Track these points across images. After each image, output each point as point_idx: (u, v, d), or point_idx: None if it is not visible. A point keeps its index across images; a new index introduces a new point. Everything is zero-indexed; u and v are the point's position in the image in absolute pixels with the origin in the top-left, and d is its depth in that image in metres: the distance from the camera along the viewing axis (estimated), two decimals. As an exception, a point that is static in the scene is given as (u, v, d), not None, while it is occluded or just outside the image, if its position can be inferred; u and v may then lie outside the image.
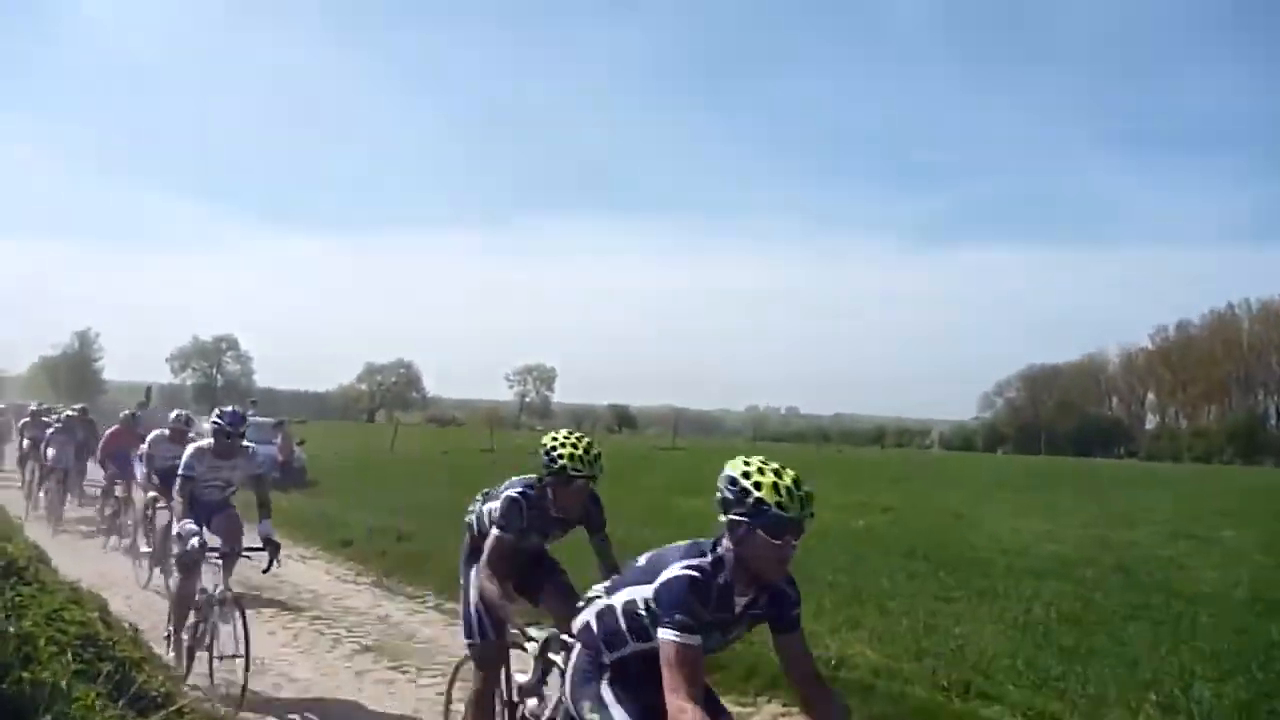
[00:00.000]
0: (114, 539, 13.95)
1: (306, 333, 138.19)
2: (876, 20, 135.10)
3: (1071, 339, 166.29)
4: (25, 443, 19.24)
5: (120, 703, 3.30)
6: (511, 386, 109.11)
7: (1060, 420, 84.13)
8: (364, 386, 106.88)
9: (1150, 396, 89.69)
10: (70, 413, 18.62)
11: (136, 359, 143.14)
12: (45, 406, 22.42)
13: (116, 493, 14.17)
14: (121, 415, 15.23)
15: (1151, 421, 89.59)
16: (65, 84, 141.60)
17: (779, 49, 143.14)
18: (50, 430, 17.08)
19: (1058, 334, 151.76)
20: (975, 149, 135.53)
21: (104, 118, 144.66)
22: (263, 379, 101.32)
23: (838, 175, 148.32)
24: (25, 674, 2.85)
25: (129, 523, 13.48)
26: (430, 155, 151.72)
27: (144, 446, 11.78)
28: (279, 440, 24.42)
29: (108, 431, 14.98)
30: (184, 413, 12.12)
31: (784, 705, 7.18)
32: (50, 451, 16.29)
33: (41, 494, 16.84)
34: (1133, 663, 7.73)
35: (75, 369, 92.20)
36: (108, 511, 14.55)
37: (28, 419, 20.02)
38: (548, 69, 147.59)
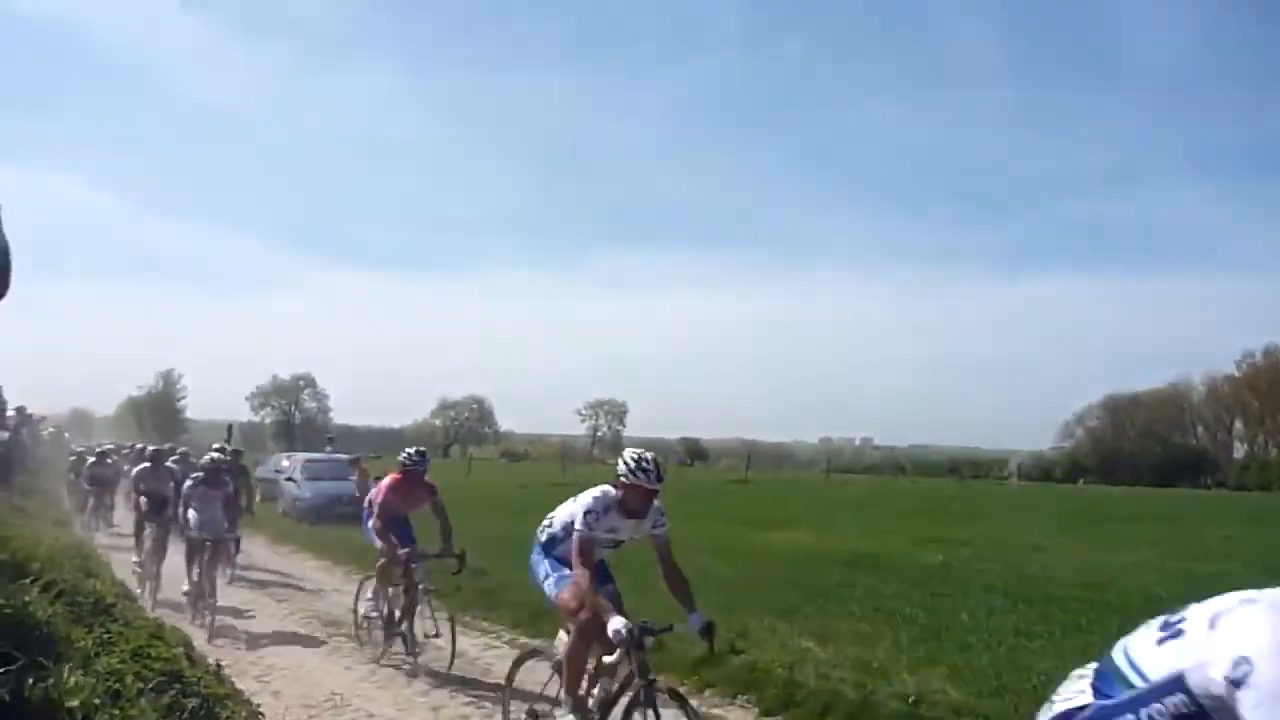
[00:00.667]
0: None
1: (382, 370, 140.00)
2: (942, 46, 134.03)
3: (1154, 366, 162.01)
4: (141, 498, 13.55)
5: (204, 738, 3.37)
6: (583, 421, 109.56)
7: (1143, 450, 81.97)
8: (438, 422, 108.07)
9: (1237, 424, 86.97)
10: (215, 454, 13.32)
11: (217, 398, 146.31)
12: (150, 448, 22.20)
13: None
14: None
15: (1239, 450, 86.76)
16: (146, 130, 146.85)
17: (845, 79, 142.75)
18: (188, 483, 12.35)
19: (1140, 361, 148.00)
20: (1053, 174, 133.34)
21: (184, 163, 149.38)
22: (339, 416, 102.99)
23: (907, 204, 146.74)
24: (115, 711, 2.93)
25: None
26: (503, 194, 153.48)
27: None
28: (355, 476, 24.81)
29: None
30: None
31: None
32: (192, 514, 11.90)
33: (188, 579, 12.00)
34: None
35: (160, 409, 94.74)
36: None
37: (145, 465, 14.34)
38: (616, 107, 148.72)
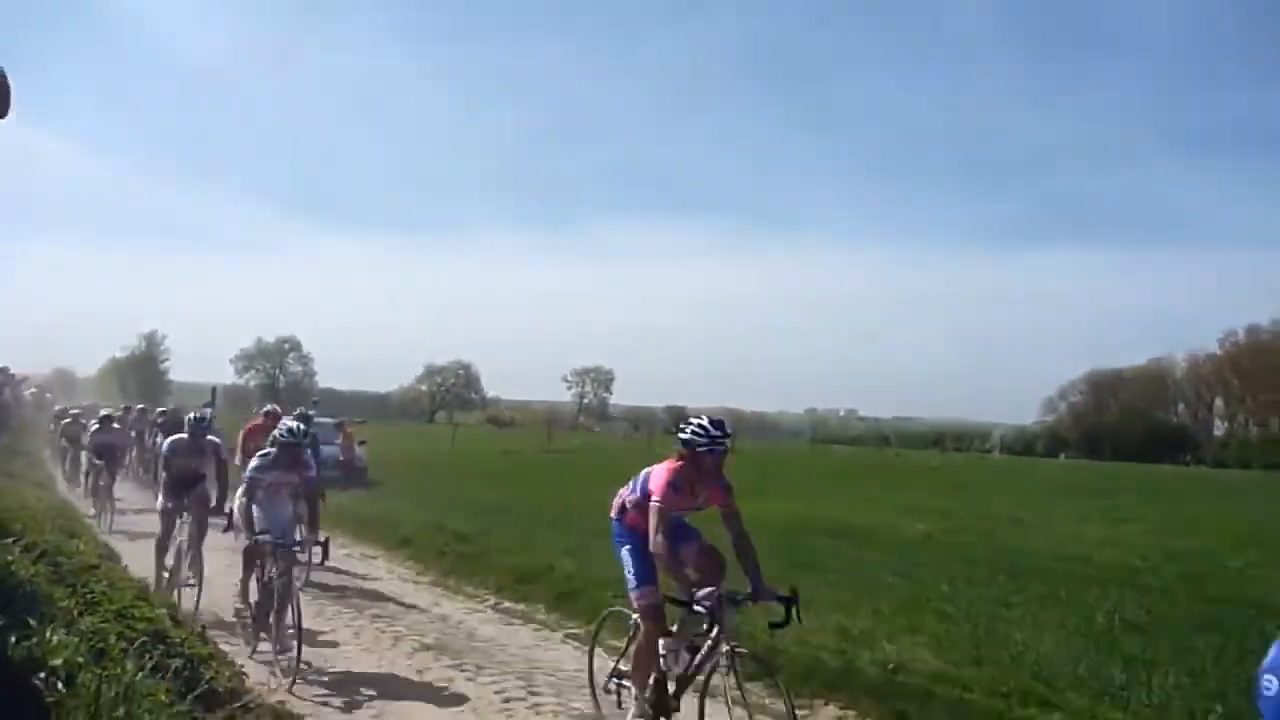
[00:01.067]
0: None
1: (367, 334, 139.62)
2: (938, 18, 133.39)
3: (1137, 343, 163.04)
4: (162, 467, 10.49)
5: (188, 699, 3.38)
6: (569, 388, 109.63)
7: (1125, 426, 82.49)
8: (424, 387, 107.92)
9: (1218, 403, 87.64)
10: (294, 423, 8.98)
11: (201, 360, 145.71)
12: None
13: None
14: (266, 409, 13.79)
15: (1219, 428, 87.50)
16: (130, 88, 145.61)
17: (840, 49, 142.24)
18: (254, 463, 8.63)
19: (1123, 337, 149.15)
20: (1043, 148, 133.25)
21: (168, 122, 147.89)
22: (324, 380, 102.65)
23: (899, 175, 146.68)
24: (98, 670, 2.94)
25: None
26: (490, 158, 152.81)
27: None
28: (340, 440, 24.79)
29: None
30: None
31: (841, 708, 7.15)
32: (255, 511, 8.33)
33: (241, 596, 9.19)
34: (1198, 673, 7.58)
35: (143, 370, 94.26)
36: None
37: (181, 437, 10.59)
38: (609, 73, 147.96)
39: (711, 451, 5.89)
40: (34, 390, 40.78)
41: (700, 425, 5.96)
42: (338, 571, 12.09)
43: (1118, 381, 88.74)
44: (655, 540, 5.83)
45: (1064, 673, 7.50)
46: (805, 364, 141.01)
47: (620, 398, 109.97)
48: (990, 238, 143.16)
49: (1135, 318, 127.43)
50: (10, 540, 4.63)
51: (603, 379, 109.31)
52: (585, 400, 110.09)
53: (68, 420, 22.82)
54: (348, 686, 7.60)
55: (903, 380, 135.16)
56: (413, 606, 10.82)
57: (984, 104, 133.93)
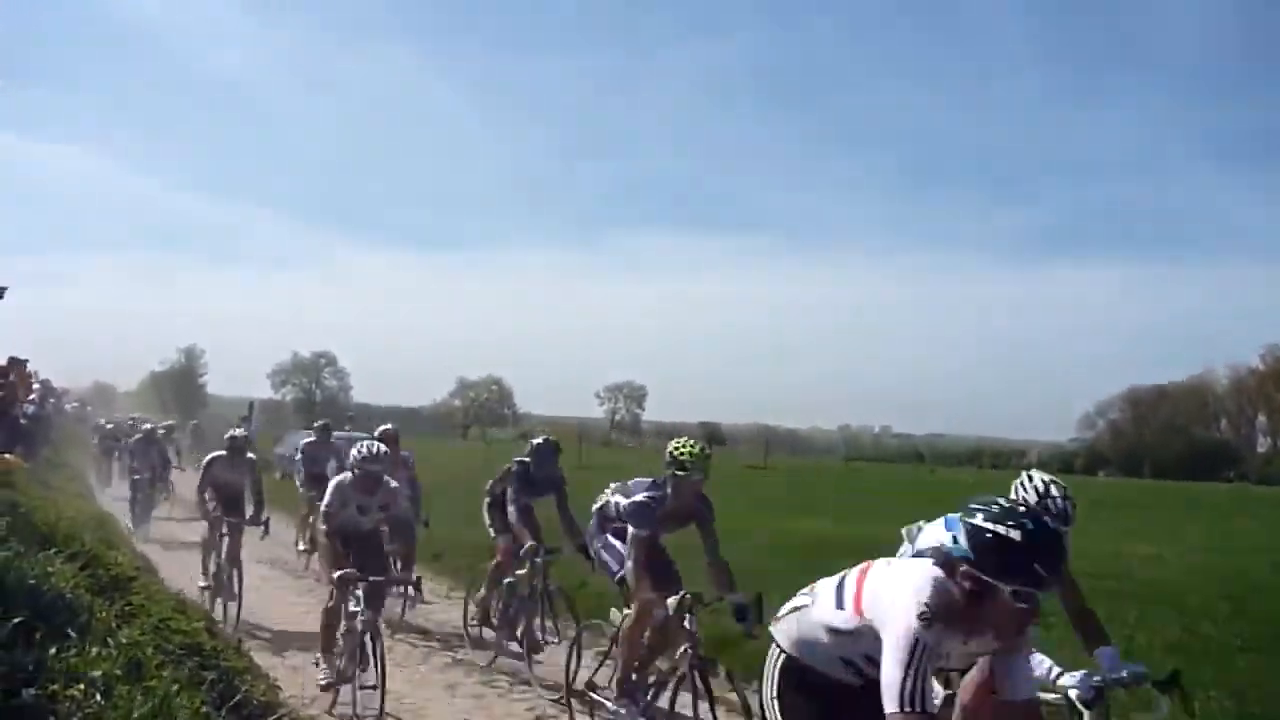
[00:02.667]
0: None
1: (401, 349, 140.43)
2: (965, 29, 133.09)
3: (1178, 358, 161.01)
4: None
5: (223, 711, 3.40)
6: (602, 404, 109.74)
7: (1166, 442, 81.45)
8: (457, 402, 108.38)
9: (1261, 418, 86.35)
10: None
11: (238, 374, 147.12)
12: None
13: None
14: (316, 425, 15.08)
15: (1263, 444, 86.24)
16: (167, 106, 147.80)
17: (866, 60, 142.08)
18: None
19: (1163, 353, 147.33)
20: (1076, 159, 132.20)
21: (205, 138, 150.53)
22: (359, 394, 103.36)
23: (930, 188, 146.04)
24: (136, 682, 2.96)
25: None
26: (519, 173, 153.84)
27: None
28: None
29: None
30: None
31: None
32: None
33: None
34: (1242, 695, 7.45)
35: (182, 384, 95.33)
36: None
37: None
38: (635, 88, 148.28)
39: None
40: (75, 404, 41.30)
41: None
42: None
43: (1158, 397, 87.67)
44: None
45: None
46: (838, 380, 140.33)
47: (653, 413, 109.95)
48: (1024, 250, 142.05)
49: (1175, 332, 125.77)
50: (51, 550, 4.68)
51: (635, 395, 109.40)
52: (617, 416, 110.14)
53: (108, 432, 23.13)
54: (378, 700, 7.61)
55: (937, 396, 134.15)
56: (444, 622, 10.83)
57: (1015, 115, 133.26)
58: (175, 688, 3.09)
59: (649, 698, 6.43)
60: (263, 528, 10.48)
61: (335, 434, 15.51)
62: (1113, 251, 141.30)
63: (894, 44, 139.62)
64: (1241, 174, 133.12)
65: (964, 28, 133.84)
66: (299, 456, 14.74)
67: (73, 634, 3.11)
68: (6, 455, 13.61)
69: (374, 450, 7.50)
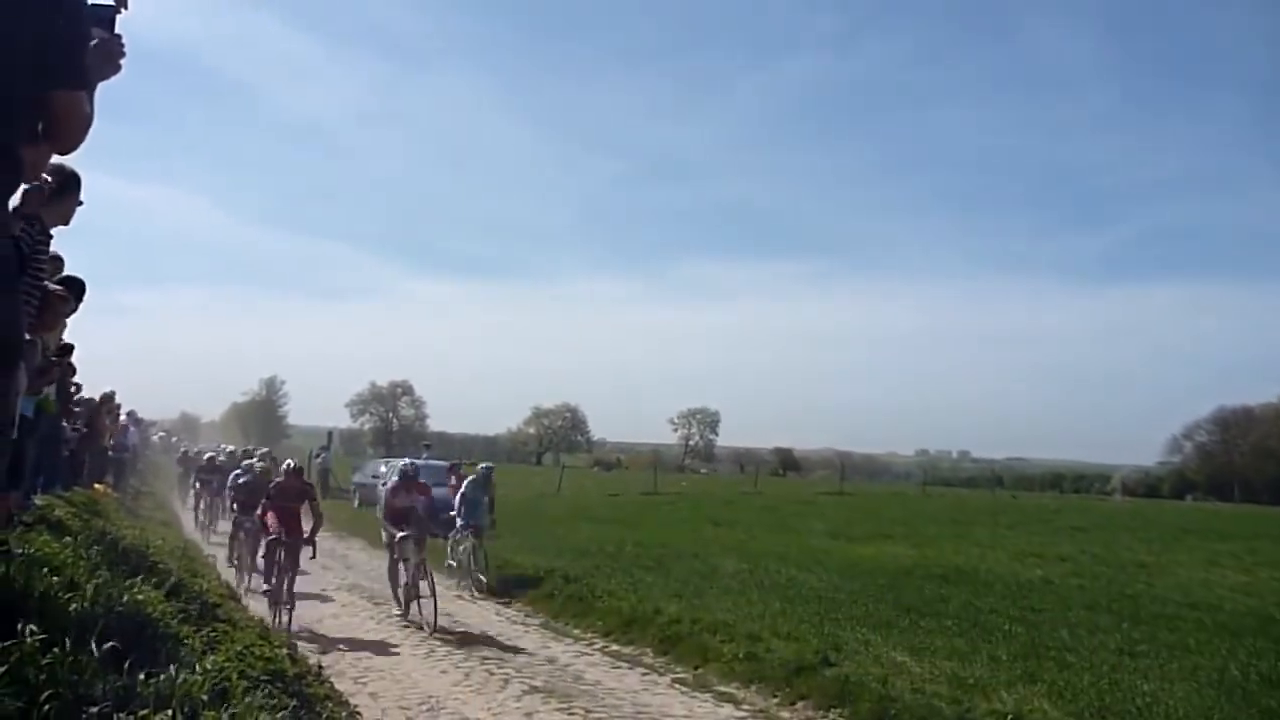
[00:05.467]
0: None
1: (477, 377, 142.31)
2: (1031, 50, 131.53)
3: (1268, 379, 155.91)
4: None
5: (304, 737, 3.46)
6: (675, 430, 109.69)
7: (1257, 466, 78.81)
8: (531, 430, 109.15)
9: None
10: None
11: (318, 405, 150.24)
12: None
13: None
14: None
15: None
16: (244, 143, 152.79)
17: (929, 83, 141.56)
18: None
19: (1252, 374, 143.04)
20: (1155, 179, 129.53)
21: (282, 176, 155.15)
22: (435, 423, 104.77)
23: (1005, 212, 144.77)
24: (221, 709, 3.02)
25: None
26: (586, 202, 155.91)
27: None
28: (452, 482, 25.13)
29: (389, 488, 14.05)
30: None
31: None
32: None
33: None
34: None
35: (263, 414, 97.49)
36: None
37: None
38: (697, 115, 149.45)
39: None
40: (161, 434, 42.41)
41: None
42: (446, 614, 12.27)
43: (1248, 420, 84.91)
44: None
45: (1197, 726, 7.16)
46: (916, 404, 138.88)
47: (726, 439, 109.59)
48: (1102, 271, 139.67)
49: (1262, 352, 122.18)
50: (139, 578, 4.80)
51: (708, 420, 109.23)
52: (691, 442, 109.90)
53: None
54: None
55: (1017, 421, 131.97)
56: (521, 649, 10.88)
57: (1087, 133, 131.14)
58: (258, 714, 3.14)
59: None
60: (313, 549, 12.10)
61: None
62: (1197, 271, 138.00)
63: (958, 64, 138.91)
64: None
65: (1029, 46, 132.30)
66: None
67: (161, 660, 3.18)
68: (96, 485, 14.03)
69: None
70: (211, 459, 24.04)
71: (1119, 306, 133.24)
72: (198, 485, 22.53)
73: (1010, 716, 7.27)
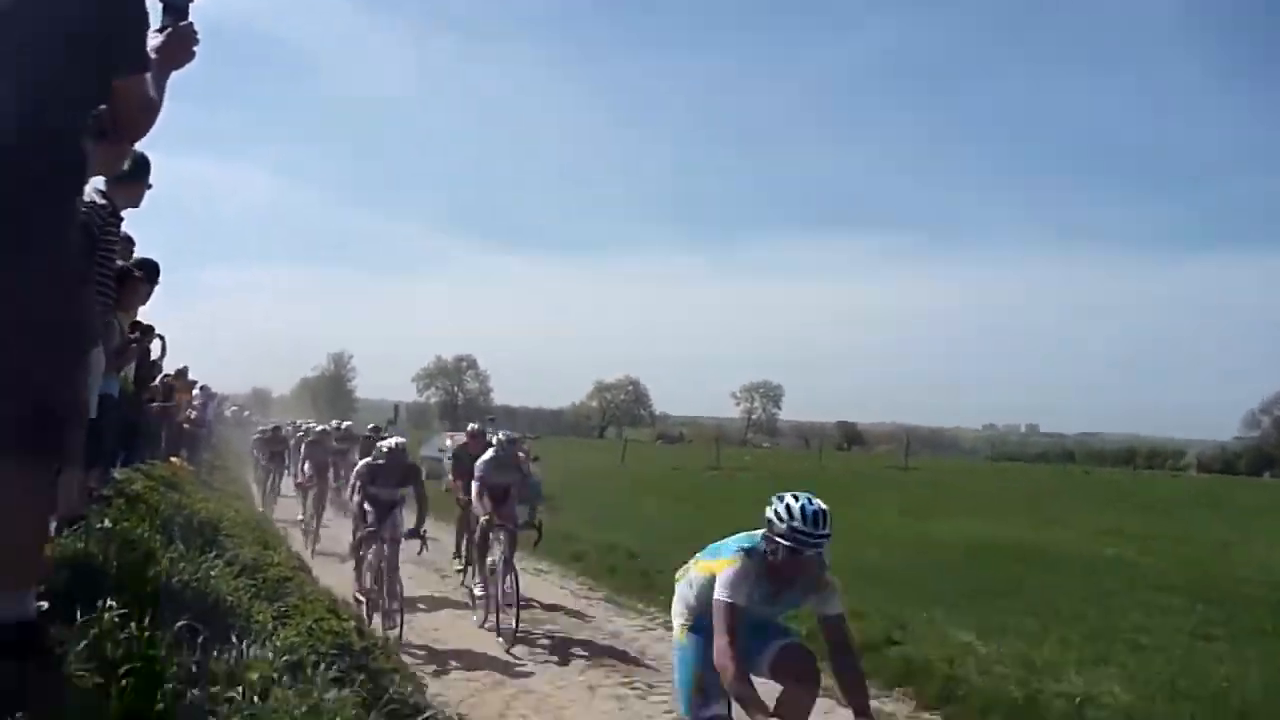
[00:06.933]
0: None
1: (541, 352, 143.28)
2: (1113, 16, 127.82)
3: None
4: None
5: (372, 713, 3.50)
6: (738, 404, 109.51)
7: (1337, 441, 76.56)
8: (594, 404, 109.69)
9: None
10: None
11: (385, 379, 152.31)
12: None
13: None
14: (471, 427, 14.34)
15: None
16: (315, 121, 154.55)
17: (1008, 50, 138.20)
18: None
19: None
20: (1233, 150, 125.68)
21: (351, 151, 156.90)
22: (500, 397, 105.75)
23: (1073, 182, 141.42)
24: (293, 684, 3.07)
25: None
26: (653, 175, 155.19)
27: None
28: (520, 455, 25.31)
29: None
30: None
31: None
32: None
33: None
34: None
35: (332, 389, 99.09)
36: None
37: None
38: (766, 85, 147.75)
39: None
40: (234, 409, 43.28)
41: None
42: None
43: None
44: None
45: (1275, 713, 6.98)
46: (982, 378, 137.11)
47: (789, 413, 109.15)
48: (1180, 243, 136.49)
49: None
50: (213, 554, 4.90)
51: (771, 394, 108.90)
52: (754, 416, 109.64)
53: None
54: (523, 699, 7.75)
55: (1088, 394, 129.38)
56: (585, 623, 10.94)
57: (1167, 102, 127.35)
58: (329, 692, 3.19)
59: None
60: (421, 541, 10.11)
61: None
62: (1269, 244, 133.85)
63: (1035, 31, 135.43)
64: None
65: (1108, 15, 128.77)
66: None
67: (233, 637, 3.24)
68: (172, 459, 14.36)
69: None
70: (277, 429, 24.47)
71: (1195, 278, 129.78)
72: (265, 458, 22.79)
73: (1080, 699, 7.15)
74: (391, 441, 11.02)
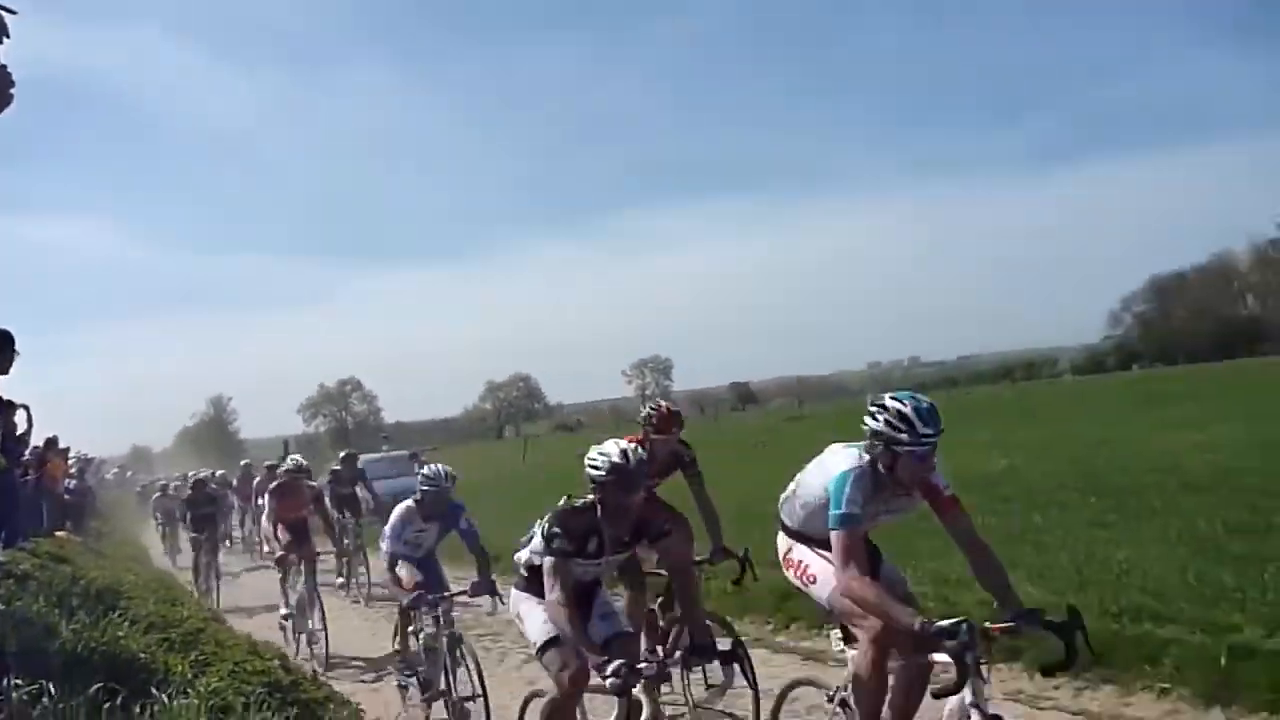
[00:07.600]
0: None
1: (427, 362, 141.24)
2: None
3: (1196, 243, 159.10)
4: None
5: (311, 741, 3.46)
6: (629, 382, 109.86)
7: (1194, 327, 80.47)
8: (488, 405, 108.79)
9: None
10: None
11: (269, 415, 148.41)
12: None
13: None
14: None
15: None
16: (158, 164, 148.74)
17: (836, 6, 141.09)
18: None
19: (1180, 240, 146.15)
20: (1058, 65, 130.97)
21: (200, 192, 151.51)
22: (391, 414, 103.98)
23: (919, 116, 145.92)
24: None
25: None
26: (516, 171, 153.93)
27: None
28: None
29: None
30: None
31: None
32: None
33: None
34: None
35: (214, 434, 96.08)
36: None
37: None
38: (617, 68, 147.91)
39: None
40: (115, 470, 41.75)
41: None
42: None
43: (1181, 284, 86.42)
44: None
45: (1173, 584, 7.37)
46: (864, 320, 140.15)
47: (682, 383, 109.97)
48: (1022, 162, 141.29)
49: (1189, 218, 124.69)
50: (117, 615, 4.75)
51: (662, 367, 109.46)
52: (647, 391, 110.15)
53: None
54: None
55: (962, 319, 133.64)
56: (512, 623, 10.88)
57: (1009, 24, 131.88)
58: (260, 726, 3.15)
59: None
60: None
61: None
62: (1112, 149, 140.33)
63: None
64: (1229, 52, 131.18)
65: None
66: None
67: (153, 689, 3.16)
68: (57, 532, 13.78)
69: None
70: (164, 487, 24.02)
71: (1047, 193, 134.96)
72: (158, 515, 22.44)
73: (994, 603, 7.42)
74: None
